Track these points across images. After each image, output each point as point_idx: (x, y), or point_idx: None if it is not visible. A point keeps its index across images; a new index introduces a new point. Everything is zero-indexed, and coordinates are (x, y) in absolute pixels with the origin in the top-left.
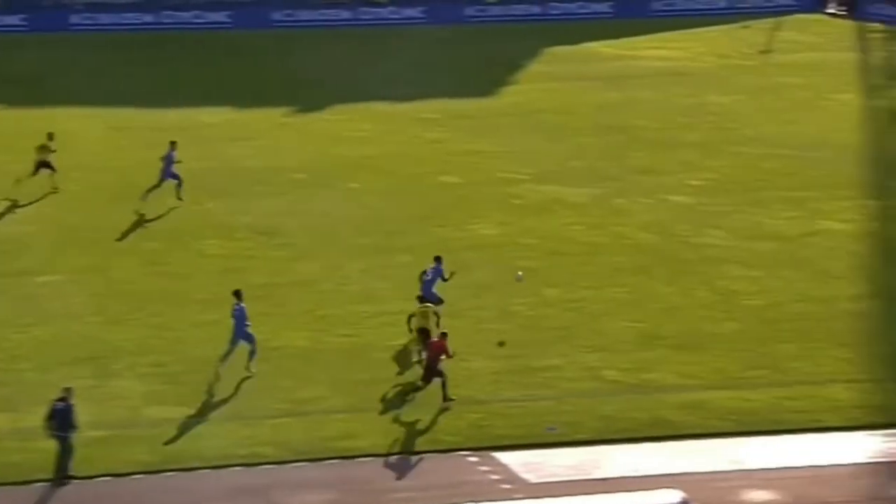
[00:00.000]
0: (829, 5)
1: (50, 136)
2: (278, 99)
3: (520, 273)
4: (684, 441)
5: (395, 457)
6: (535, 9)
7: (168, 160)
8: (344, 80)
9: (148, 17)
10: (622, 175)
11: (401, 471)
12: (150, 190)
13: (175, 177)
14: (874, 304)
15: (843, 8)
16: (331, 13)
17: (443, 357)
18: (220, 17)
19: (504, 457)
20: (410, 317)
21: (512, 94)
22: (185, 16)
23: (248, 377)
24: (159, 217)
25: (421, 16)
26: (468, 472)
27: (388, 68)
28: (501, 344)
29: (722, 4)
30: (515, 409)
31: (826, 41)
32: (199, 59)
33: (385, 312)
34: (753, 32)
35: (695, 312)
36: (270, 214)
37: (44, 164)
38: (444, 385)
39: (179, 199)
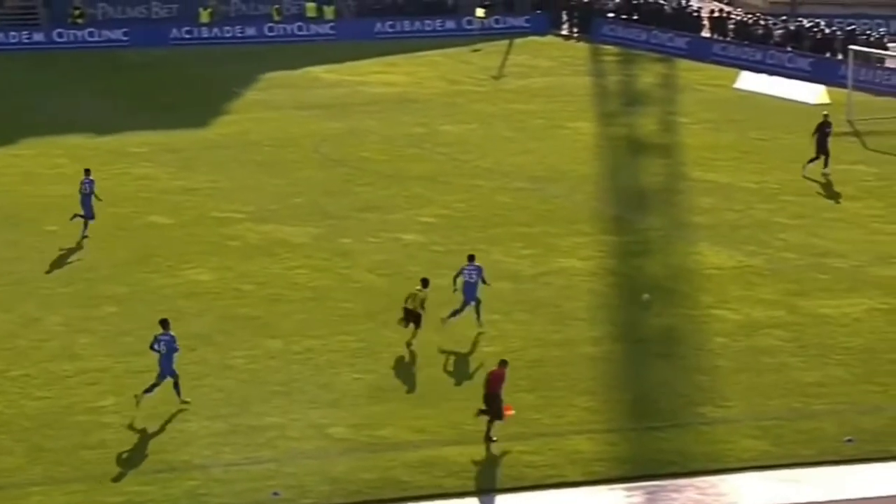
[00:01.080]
0: (563, 27)
1: None
2: None
3: (646, 296)
4: (417, 503)
5: None
6: (251, 30)
7: (90, 190)
8: (36, 110)
9: None
10: (348, 212)
11: None
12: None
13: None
14: (615, 347)
15: (577, 30)
16: (21, 35)
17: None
18: None
19: None
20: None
21: (227, 125)
22: None
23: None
24: None
25: (123, 38)
26: None
27: (87, 97)
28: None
29: (450, 26)
30: (236, 473)
31: (560, 65)
32: None
33: (89, 370)
34: (484, 56)
35: (428, 361)
36: None
37: None
38: (492, 421)
39: (86, 235)
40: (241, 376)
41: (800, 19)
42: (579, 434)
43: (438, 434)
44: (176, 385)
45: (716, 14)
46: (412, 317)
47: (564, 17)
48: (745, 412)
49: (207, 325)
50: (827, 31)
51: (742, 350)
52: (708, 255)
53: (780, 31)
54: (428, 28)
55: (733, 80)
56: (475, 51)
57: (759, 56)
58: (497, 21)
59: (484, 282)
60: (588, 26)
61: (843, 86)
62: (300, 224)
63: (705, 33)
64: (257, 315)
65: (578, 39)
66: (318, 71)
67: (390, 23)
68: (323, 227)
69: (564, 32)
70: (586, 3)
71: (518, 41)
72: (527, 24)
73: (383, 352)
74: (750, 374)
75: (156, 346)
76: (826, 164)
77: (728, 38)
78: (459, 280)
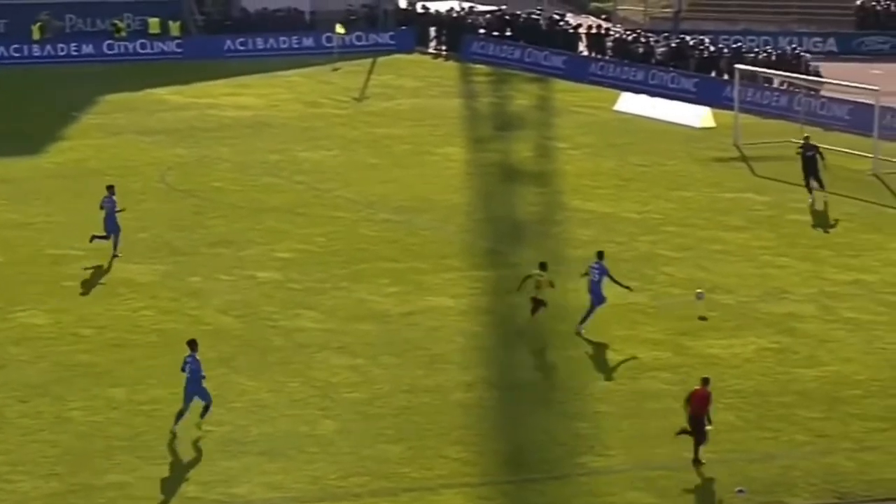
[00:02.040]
0: (430, 44)
1: None
2: None
3: (700, 291)
4: None
5: None
6: (88, 48)
7: (110, 207)
8: None
9: None
10: (197, 248)
11: None
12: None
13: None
14: (490, 393)
15: (445, 48)
16: None
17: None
18: None
19: None
20: (526, 278)
21: (63, 152)
22: None
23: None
24: None
25: None
26: None
27: None
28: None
29: (308, 43)
30: None
31: (427, 85)
32: None
33: None
34: (345, 76)
35: (286, 411)
36: None
37: None
38: (698, 444)
39: (117, 254)
40: (79, 429)
41: (683, 36)
42: (451, 488)
43: (297, 490)
44: (206, 409)
45: (594, 30)
46: (538, 304)
47: (432, 34)
48: (629, 462)
49: (42, 373)
50: (712, 48)
51: (626, 394)
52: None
53: (662, 49)
54: (283, 45)
55: (613, 102)
56: (335, 70)
57: (640, 76)
58: (359, 38)
59: (616, 282)
60: (457, 43)
61: (730, 107)
62: (145, 261)
63: (583, 51)
64: (97, 362)
65: (447, 58)
66: (162, 93)
67: (241, 40)
68: (170, 265)
69: (432, 50)
70: (455, 18)
71: (382, 59)
72: (391, 42)
73: (236, 401)
74: (634, 420)
75: (185, 369)
76: (821, 187)
77: (607, 57)
78: (585, 280)
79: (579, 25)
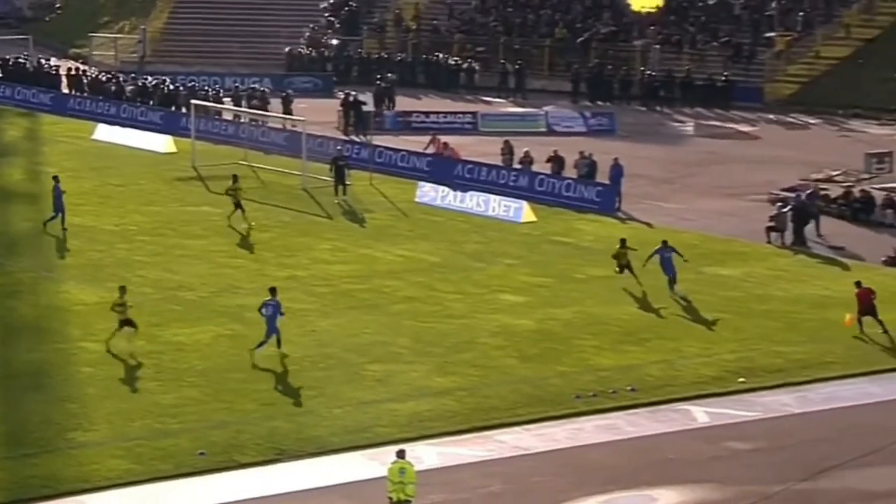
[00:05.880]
0: None
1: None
2: None
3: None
4: None
5: None
6: None
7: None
8: None
9: None
10: None
11: None
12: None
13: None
14: None
15: None
16: None
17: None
18: None
19: None
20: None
21: None
22: None
23: None
24: None
25: None
26: None
27: None
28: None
29: None
30: None
31: None
32: None
33: None
34: None
35: None
36: None
37: None
38: None
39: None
40: None
41: (147, 76)
42: None
43: None
44: (278, 341)
45: (73, 72)
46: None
47: None
48: (110, 435)
49: None
50: (172, 87)
51: (108, 379)
52: (74, 292)
53: (131, 88)
54: None
55: (91, 132)
56: None
57: (113, 110)
58: None
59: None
60: None
61: (188, 136)
62: None
63: (65, 89)
64: None
65: None
66: None
67: None
68: None
69: None
70: None
71: None
72: None
73: None
74: (114, 399)
75: (263, 311)
76: None
77: (85, 94)
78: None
79: (60, 66)
